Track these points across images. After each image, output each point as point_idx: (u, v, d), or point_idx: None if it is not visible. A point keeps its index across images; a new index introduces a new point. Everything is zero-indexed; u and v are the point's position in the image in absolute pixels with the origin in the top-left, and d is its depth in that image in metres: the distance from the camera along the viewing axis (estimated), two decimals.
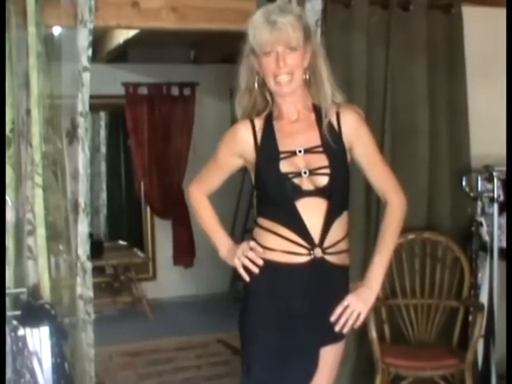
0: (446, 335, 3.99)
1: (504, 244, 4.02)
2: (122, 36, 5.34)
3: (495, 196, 3.98)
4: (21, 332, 2.92)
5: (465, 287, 4.00)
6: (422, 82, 4.09)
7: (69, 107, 3.47)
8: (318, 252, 2.30)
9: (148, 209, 7.03)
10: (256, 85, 2.37)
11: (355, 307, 2.32)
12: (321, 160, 2.33)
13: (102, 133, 7.72)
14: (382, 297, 3.97)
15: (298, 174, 2.30)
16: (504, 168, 3.92)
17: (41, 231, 3.36)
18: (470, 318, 3.95)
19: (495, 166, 4.00)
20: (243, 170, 2.69)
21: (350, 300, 2.32)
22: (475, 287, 4.01)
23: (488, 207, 4.06)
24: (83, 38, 3.40)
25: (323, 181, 2.30)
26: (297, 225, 2.30)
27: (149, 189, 6.79)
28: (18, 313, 3.03)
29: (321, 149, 2.34)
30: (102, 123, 7.70)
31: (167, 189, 6.74)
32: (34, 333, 2.94)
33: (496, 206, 3.98)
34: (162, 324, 6.14)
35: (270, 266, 2.34)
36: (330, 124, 2.36)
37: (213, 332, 5.15)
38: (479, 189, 4.10)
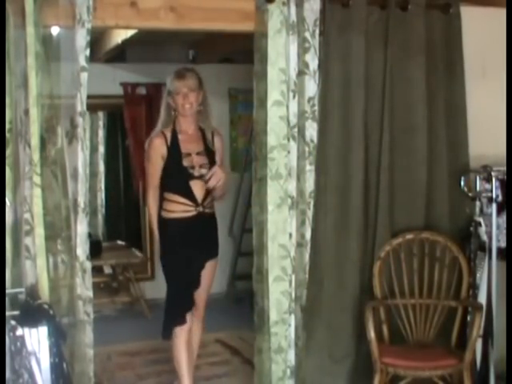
0: (444, 335, 3.99)
1: (502, 244, 4.02)
2: (120, 36, 5.33)
3: (494, 196, 3.98)
4: (19, 332, 2.91)
5: (463, 287, 4.00)
6: (421, 81, 4.10)
7: (68, 107, 3.48)
8: (200, 208, 3.87)
9: (146, 209, 7.01)
10: (173, 112, 3.90)
11: (220, 173, 3.87)
12: (204, 159, 3.90)
13: (101, 133, 7.67)
14: (380, 297, 3.98)
15: (192, 167, 3.86)
16: (502, 168, 3.92)
17: (39, 231, 3.36)
18: (469, 318, 3.96)
19: (494, 166, 4.00)
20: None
21: (216, 168, 3.88)
22: (474, 287, 4.01)
23: (486, 207, 4.06)
24: (81, 38, 3.41)
25: (204, 171, 3.86)
26: (189, 194, 3.85)
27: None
28: (16, 313, 3.02)
29: (203, 153, 3.91)
30: (101, 123, 7.66)
31: None
32: (32, 333, 2.94)
33: (494, 205, 3.98)
34: (160, 324, 6.11)
35: (174, 222, 3.88)
36: (209, 139, 3.95)
37: (211, 332, 5.11)
38: (478, 189, 4.10)
